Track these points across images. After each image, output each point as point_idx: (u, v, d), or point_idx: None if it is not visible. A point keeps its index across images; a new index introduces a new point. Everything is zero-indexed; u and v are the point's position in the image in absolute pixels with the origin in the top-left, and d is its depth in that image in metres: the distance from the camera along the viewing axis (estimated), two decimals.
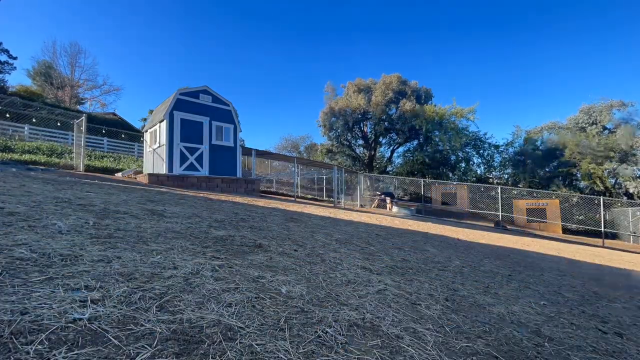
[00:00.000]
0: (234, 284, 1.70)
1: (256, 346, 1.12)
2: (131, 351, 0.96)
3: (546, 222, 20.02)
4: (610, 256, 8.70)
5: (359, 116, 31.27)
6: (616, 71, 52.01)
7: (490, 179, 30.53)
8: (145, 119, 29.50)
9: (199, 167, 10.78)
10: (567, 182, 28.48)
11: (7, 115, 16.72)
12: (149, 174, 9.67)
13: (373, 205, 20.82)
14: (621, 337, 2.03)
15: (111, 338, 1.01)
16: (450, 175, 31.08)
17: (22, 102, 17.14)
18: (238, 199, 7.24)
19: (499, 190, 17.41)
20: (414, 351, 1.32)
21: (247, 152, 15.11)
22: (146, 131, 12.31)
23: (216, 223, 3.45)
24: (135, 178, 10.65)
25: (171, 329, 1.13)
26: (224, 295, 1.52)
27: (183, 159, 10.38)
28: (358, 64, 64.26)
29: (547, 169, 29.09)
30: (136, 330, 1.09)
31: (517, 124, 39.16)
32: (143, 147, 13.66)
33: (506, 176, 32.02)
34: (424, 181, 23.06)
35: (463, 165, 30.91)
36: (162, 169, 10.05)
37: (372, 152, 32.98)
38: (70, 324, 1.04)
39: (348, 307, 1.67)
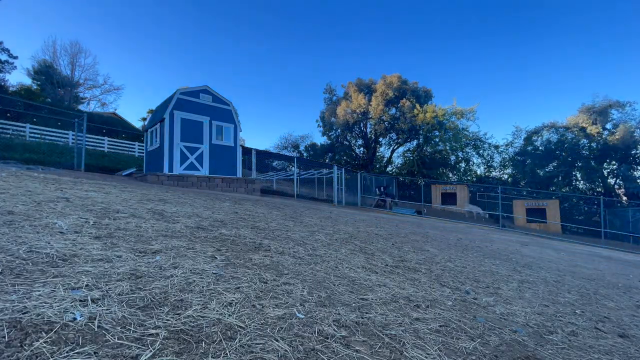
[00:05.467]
0: (234, 283, 1.70)
1: (256, 345, 1.13)
2: (132, 350, 0.97)
3: (546, 222, 20.03)
4: (610, 256, 8.71)
5: (359, 116, 31.27)
6: (617, 71, 51.98)
7: (490, 179, 30.53)
8: (145, 119, 29.47)
9: (199, 166, 10.78)
10: (567, 182, 28.48)
11: (8, 115, 16.72)
12: (149, 174, 9.67)
13: (373, 205, 20.83)
14: (622, 338, 2.04)
15: (111, 337, 1.01)
16: (450, 175, 31.09)
17: (23, 101, 17.14)
18: (238, 197, 7.25)
19: (499, 191, 17.43)
20: (414, 351, 1.32)
21: (247, 151, 15.11)
22: (146, 130, 12.31)
23: (216, 222, 3.45)
24: (136, 177, 10.65)
25: (171, 328, 1.14)
26: (225, 294, 1.52)
27: (183, 158, 10.38)
28: (358, 64, 64.19)
29: (547, 169, 29.09)
30: (136, 330, 1.09)
31: (517, 124, 39.19)
32: (143, 146, 13.65)
33: (506, 176, 32.03)
34: (423, 181, 23.05)
35: (463, 165, 30.93)
36: (163, 169, 10.05)
37: (372, 152, 32.98)
38: (70, 323, 1.04)
39: (349, 307, 1.68)
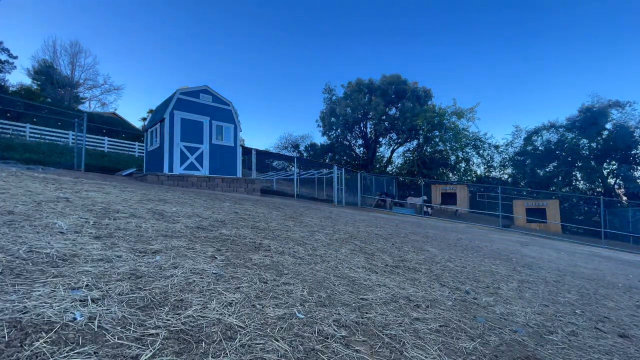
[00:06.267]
0: (234, 283, 1.70)
1: (256, 345, 1.13)
2: (132, 350, 0.97)
3: (546, 222, 20.02)
4: (610, 256, 8.71)
5: (359, 116, 31.27)
6: (617, 71, 51.97)
7: (490, 179, 30.51)
8: (145, 119, 29.47)
9: (199, 166, 10.78)
10: (567, 182, 28.47)
11: (8, 115, 16.72)
12: (150, 174, 9.67)
13: (373, 205, 20.82)
14: (622, 338, 2.04)
15: (111, 337, 1.01)
16: (450, 175, 31.08)
17: (23, 101, 17.14)
18: (238, 197, 7.25)
19: (499, 191, 17.42)
20: (414, 351, 1.32)
21: (247, 151, 15.11)
22: (146, 130, 12.31)
23: (217, 222, 3.45)
24: (136, 177, 10.65)
25: (171, 328, 1.14)
26: (225, 294, 1.53)
27: (183, 158, 10.38)
28: (358, 64, 64.12)
29: (547, 169, 29.07)
30: (136, 330, 1.09)
31: (517, 124, 39.22)
32: (143, 146, 13.65)
33: (506, 176, 32.00)
34: (423, 181, 23.04)
35: (463, 165, 30.89)
36: (163, 169, 10.05)
37: (372, 152, 32.96)
38: (70, 323, 1.04)
39: (349, 307, 1.68)
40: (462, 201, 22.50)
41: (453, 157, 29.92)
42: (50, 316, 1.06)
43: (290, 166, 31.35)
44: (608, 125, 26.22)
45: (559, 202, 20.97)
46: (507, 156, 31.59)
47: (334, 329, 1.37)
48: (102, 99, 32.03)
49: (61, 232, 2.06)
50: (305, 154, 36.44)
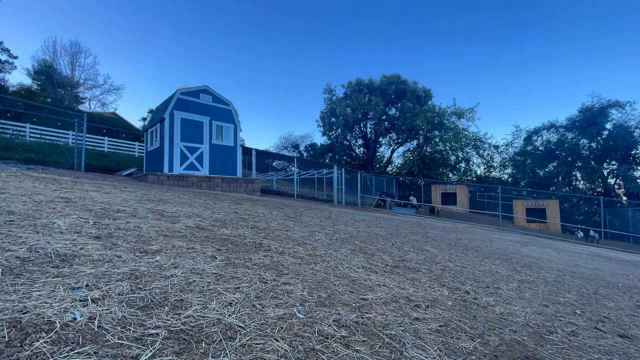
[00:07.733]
0: (234, 283, 1.70)
1: (256, 345, 1.13)
2: (132, 350, 0.97)
3: (546, 222, 20.02)
4: (610, 256, 8.70)
5: (359, 116, 31.27)
6: (617, 71, 51.97)
7: (490, 179, 30.50)
8: (145, 119, 29.47)
9: (199, 166, 10.78)
10: (567, 182, 28.46)
11: (8, 115, 16.72)
12: (150, 174, 9.67)
13: (373, 205, 20.81)
14: (622, 338, 2.04)
15: (111, 337, 1.01)
16: (450, 175, 31.07)
17: (23, 101, 17.14)
18: (238, 197, 7.25)
19: (499, 191, 17.41)
20: (414, 351, 1.32)
21: (247, 151, 15.10)
22: (146, 130, 12.31)
23: (217, 222, 3.45)
24: (136, 177, 10.65)
25: (171, 328, 1.13)
26: (225, 294, 1.52)
27: (183, 158, 10.38)
28: (358, 64, 64.13)
29: (547, 169, 29.07)
30: (136, 330, 1.09)
31: (517, 124, 39.28)
32: (143, 146, 13.65)
33: (506, 176, 31.99)
34: (423, 181, 23.06)
35: (463, 165, 30.88)
36: (163, 169, 10.05)
37: (372, 152, 32.95)
38: (70, 323, 1.04)
39: (349, 307, 1.68)
40: (462, 201, 22.49)
41: (453, 157, 29.90)
42: (50, 316, 1.06)
43: (290, 166, 31.33)
44: (608, 125, 26.20)
45: (558, 202, 20.98)
46: (507, 156, 31.61)
47: (334, 329, 1.37)
48: (102, 99, 32.04)
49: (61, 232, 2.06)
50: (305, 154, 36.42)
